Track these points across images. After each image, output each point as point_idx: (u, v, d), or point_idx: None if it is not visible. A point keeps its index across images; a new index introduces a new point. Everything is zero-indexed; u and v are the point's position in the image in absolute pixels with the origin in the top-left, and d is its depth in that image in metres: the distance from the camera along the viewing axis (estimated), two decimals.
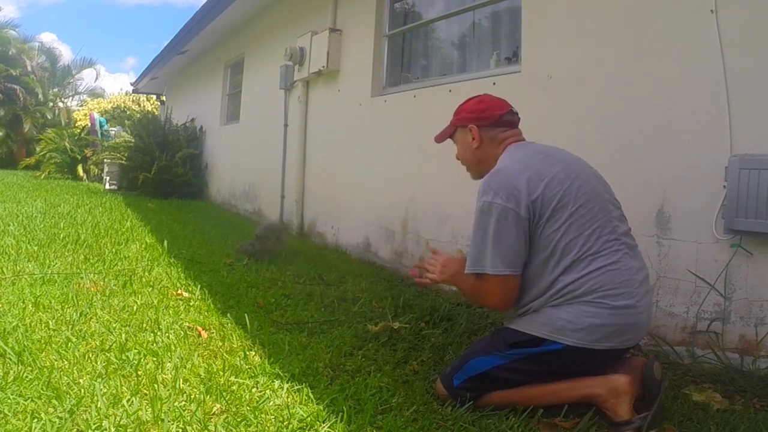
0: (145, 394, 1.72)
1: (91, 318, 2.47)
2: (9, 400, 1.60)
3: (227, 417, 1.61)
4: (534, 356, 1.74)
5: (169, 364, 1.97)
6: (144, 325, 2.43)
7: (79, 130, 14.92)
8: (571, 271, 1.71)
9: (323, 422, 1.62)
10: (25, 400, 1.62)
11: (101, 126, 13.55)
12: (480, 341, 1.99)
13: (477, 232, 1.77)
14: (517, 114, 2.08)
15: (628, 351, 1.86)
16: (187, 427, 1.53)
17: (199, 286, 3.16)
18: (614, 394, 1.68)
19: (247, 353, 2.15)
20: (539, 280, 1.76)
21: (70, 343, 2.10)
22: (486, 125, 2.01)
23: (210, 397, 1.72)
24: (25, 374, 1.79)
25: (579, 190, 1.79)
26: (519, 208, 1.72)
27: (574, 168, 1.89)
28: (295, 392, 1.81)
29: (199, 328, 2.43)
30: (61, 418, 1.53)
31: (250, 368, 1.99)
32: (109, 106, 18.60)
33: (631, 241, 1.88)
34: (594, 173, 1.96)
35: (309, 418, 1.63)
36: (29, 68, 18.23)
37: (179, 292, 3.08)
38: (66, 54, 39.32)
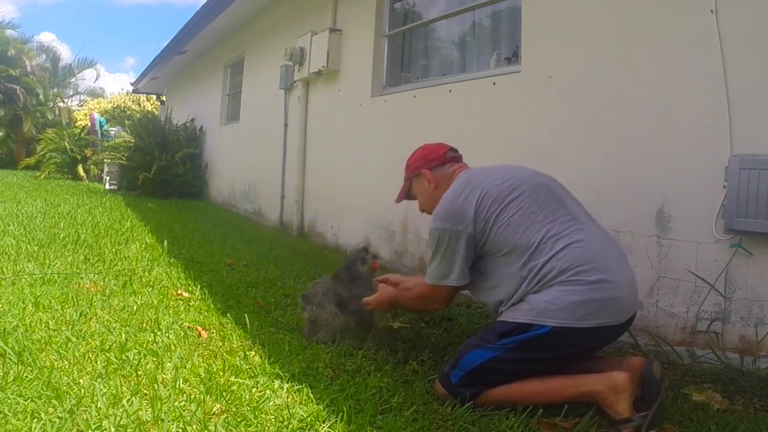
0: (145, 394, 1.72)
1: (91, 318, 2.47)
2: (9, 400, 1.60)
3: (227, 417, 1.61)
4: (524, 343, 1.76)
5: (169, 364, 1.97)
6: (144, 325, 2.43)
7: (79, 130, 14.91)
8: (538, 255, 1.80)
9: (323, 422, 1.62)
10: (25, 400, 1.62)
11: (101, 126, 13.55)
12: (472, 337, 2.02)
13: (433, 253, 1.99)
14: (457, 150, 2.29)
15: (617, 332, 1.87)
16: (187, 427, 1.53)
17: (199, 286, 3.15)
18: (614, 391, 1.69)
19: (247, 353, 2.15)
20: (512, 275, 1.85)
21: (70, 343, 2.10)
22: (435, 165, 2.20)
23: (210, 397, 1.72)
24: (25, 374, 1.79)
25: (519, 186, 1.93)
26: (461, 226, 1.90)
27: (512, 171, 2.06)
28: (295, 392, 1.81)
29: (199, 328, 2.43)
30: (61, 418, 1.53)
31: (250, 368, 1.99)
32: (109, 106, 18.60)
33: (594, 223, 1.97)
34: (541, 174, 2.08)
35: (309, 418, 1.63)
36: (29, 68, 18.22)
37: (179, 292, 3.07)
38: (66, 54, 39.37)
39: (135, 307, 2.69)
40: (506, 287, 1.87)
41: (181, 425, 1.54)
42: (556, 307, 1.73)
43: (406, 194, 2.33)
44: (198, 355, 2.09)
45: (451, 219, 1.93)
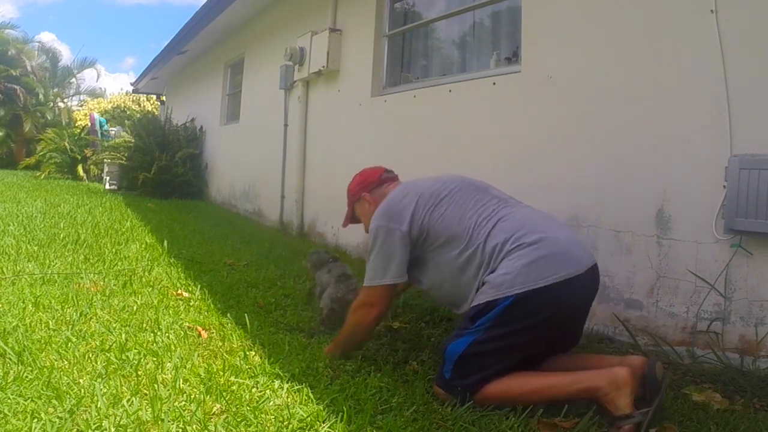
0: (145, 394, 1.72)
1: (91, 318, 2.47)
2: (9, 400, 1.60)
3: (227, 417, 1.61)
4: (496, 319, 1.81)
5: (169, 364, 1.97)
6: (144, 325, 2.43)
7: (79, 130, 14.91)
8: (475, 240, 1.92)
9: (323, 422, 1.61)
10: (25, 400, 1.62)
11: (101, 126, 13.55)
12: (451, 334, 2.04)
13: (370, 251, 2.08)
14: (392, 171, 2.43)
15: (583, 285, 1.88)
16: (187, 427, 1.53)
17: (199, 286, 3.15)
18: (615, 386, 1.69)
19: (247, 353, 2.15)
20: (465, 264, 1.94)
21: (70, 343, 2.10)
22: (373, 188, 2.36)
23: (210, 397, 1.72)
24: (25, 374, 1.79)
25: (449, 185, 2.09)
26: (398, 224, 2.01)
27: (444, 176, 2.20)
28: (295, 392, 1.81)
29: (199, 328, 2.43)
30: (61, 418, 1.53)
31: (250, 368, 1.99)
32: (109, 106, 18.60)
33: (525, 205, 2.10)
34: (470, 178, 2.20)
35: (309, 418, 1.62)
36: (29, 68, 18.22)
37: (179, 292, 3.07)
38: (65, 54, 39.33)
39: (135, 307, 2.69)
40: (465, 277, 1.94)
41: (181, 425, 1.54)
42: (511, 277, 1.80)
43: (351, 218, 2.49)
44: (198, 355, 2.09)
45: (388, 218, 2.05)
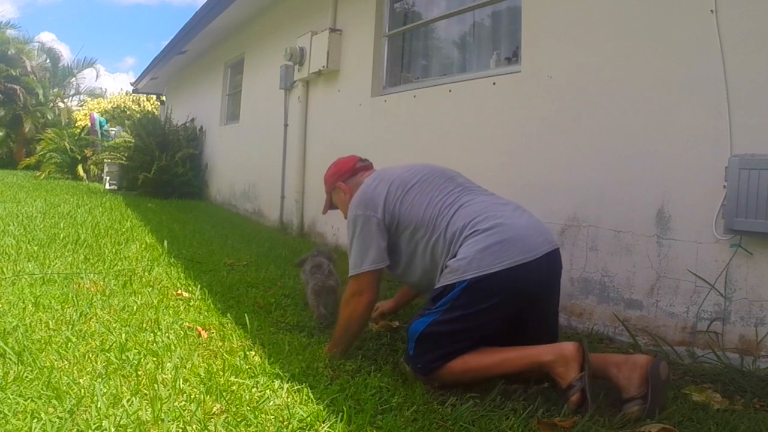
0: (145, 394, 1.72)
1: (91, 318, 2.47)
2: (9, 400, 1.60)
3: (227, 417, 1.61)
4: (454, 301, 1.91)
5: (169, 364, 1.97)
6: (144, 325, 2.43)
7: (79, 130, 14.91)
8: (438, 227, 2.03)
9: (323, 422, 1.61)
10: (25, 400, 1.61)
11: (101, 126, 13.55)
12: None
13: (350, 240, 2.15)
14: (367, 159, 2.50)
15: (541, 269, 1.93)
16: (187, 427, 1.53)
17: (199, 286, 3.15)
18: (563, 360, 1.80)
19: (247, 353, 2.15)
20: (432, 250, 2.05)
21: (70, 343, 2.10)
22: (348, 177, 2.43)
23: (210, 397, 1.72)
24: (25, 374, 1.79)
25: (419, 173, 2.19)
26: (373, 212, 2.10)
27: (416, 165, 2.29)
28: (295, 392, 1.81)
29: (199, 328, 2.43)
30: (61, 418, 1.53)
31: (250, 368, 1.99)
32: (109, 106, 18.59)
33: (490, 194, 2.18)
34: (440, 167, 2.30)
35: (309, 418, 1.62)
36: (29, 68, 18.23)
37: (179, 292, 3.07)
38: (65, 54, 39.31)
39: (135, 307, 2.69)
40: (432, 261, 2.06)
41: (181, 425, 1.54)
42: (466, 262, 1.90)
43: (329, 206, 2.57)
44: (198, 355, 2.09)
45: (363, 206, 2.13)
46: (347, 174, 2.44)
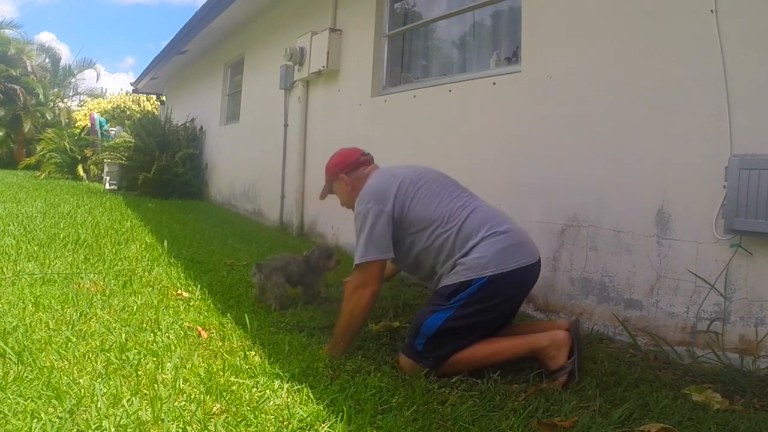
0: (145, 394, 1.72)
1: (91, 318, 2.47)
2: (9, 400, 1.60)
3: (227, 417, 1.61)
4: (470, 297, 2.05)
5: (169, 364, 1.97)
6: (144, 325, 2.43)
7: (79, 130, 14.91)
8: (450, 224, 2.15)
9: (323, 422, 1.61)
10: (25, 400, 1.62)
11: (101, 126, 13.56)
12: (423, 308, 2.21)
13: (359, 231, 2.22)
14: (369, 154, 2.55)
15: (535, 271, 2.21)
16: (187, 427, 1.53)
17: (199, 286, 3.16)
18: (556, 345, 2.06)
19: (247, 353, 2.15)
20: (439, 247, 2.16)
21: (70, 343, 2.10)
22: (351, 170, 2.49)
23: (210, 397, 1.72)
24: (25, 374, 1.79)
25: (425, 178, 2.30)
26: (384, 206, 2.19)
27: (420, 167, 2.40)
28: (295, 392, 1.81)
29: (199, 328, 2.43)
30: (61, 418, 1.53)
31: (250, 368, 1.99)
32: (109, 106, 18.60)
33: (468, 195, 2.32)
34: (441, 172, 2.41)
35: (309, 418, 1.62)
36: (29, 68, 18.22)
37: (179, 292, 3.07)
38: (65, 54, 39.35)
39: (135, 307, 2.69)
40: (439, 257, 2.17)
41: (181, 425, 1.54)
42: (486, 260, 2.06)
43: (328, 192, 2.64)
44: (198, 355, 2.09)
45: (375, 199, 2.22)
46: (350, 167, 2.49)
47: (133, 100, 19.28)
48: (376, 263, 2.18)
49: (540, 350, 2.07)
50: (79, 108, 19.50)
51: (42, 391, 1.68)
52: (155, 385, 1.78)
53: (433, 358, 2.04)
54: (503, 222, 2.19)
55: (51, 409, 1.58)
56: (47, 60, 19.71)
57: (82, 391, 1.70)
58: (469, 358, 2.05)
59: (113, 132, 13.48)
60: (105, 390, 1.71)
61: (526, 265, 2.11)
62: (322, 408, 1.69)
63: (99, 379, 1.79)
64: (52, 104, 18.94)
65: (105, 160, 10.89)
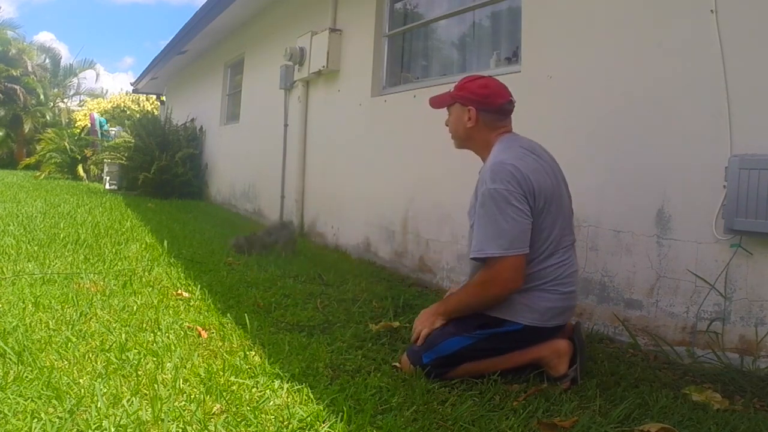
0: (145, 394, 1.72)
1: (91, 318, 2.47)
2: (9, 400, 1.60)
3: (227, 417, 1.61)
4: (497, 335, 2.01)
5: (169, 364, 1.97)
6: (144, 325, 2.43)
7: (79, 130, 14.92)
8: (536, 261, 1.99)
9: (323, 422, 1.61)
10: (25, 400, 1.62)
11: (101, 126, 13.56)
12: (447, 326, 2.07)
13: (487, 216, 1.93)
14: (514, 103, 2.22)
15: (563, 329, 2.16)
16: (187, 427, 1.53)
17: (199, 286, 3.15)
18: (557, 355, 2.04)
19: (247, 353, 2.15)
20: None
21: (70, 343, 2.10)
22: (485, 110, 2.15)
23: (210, 397, 1.72)
24: (25, 374, 1.79)
25: (554, 190, 2.04)
26: (524, 194, 1.93)
27: (554, 168, 2.13)
28: (295, 392, 1.81)
29: (199, 328, 2.43)
30: (61, 418, 1.53)
31: (250, 368, 1.99)
32: (109, 106, 18.60)
33: (574, 237, 2.18)
34: (563, 176, 2.18)
35: (309, 418, 1.63)
36: (30, 68, 18.23)
37: (179, 292, 3.07)
38: (64, 53, 39.44)
39: (135, 307, 2.69)
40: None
41: (181, 425, 1.54)
42: (530, 310, 1.98)
43: (446, 106, 2.34)
44: (198, 355, 2.09)
45: (512, 183, 1.92)
46: (488, 107, 2.14)
47: (132, 100, 19.28)
48: (513, 259, 1.92)
49: (541, 359, 2.06)
50: (79, 108, 19.50)
51: (42, 391, 1.68)
52: (155, 385, 1.78)
53: (435, 374, 2.01)
54: (572, 282, 2.07)
55: (51, 409, 1.58)
56: (47, 60, 19.72)
57: (82, 391, 1.70)
58: (471, 370, 2.04)
59: (113, 132, 13.49)
60: (105, 390, 1.71)
61: (563, 323, 2.10)
62: (322, 408, 1.69)
63: (99, 379, 1.79)
64: (52, 104, 18.95)
65: (105, 160, 10.89)
